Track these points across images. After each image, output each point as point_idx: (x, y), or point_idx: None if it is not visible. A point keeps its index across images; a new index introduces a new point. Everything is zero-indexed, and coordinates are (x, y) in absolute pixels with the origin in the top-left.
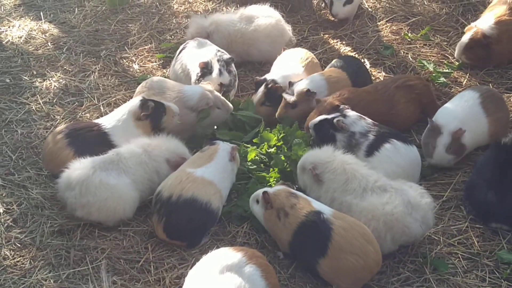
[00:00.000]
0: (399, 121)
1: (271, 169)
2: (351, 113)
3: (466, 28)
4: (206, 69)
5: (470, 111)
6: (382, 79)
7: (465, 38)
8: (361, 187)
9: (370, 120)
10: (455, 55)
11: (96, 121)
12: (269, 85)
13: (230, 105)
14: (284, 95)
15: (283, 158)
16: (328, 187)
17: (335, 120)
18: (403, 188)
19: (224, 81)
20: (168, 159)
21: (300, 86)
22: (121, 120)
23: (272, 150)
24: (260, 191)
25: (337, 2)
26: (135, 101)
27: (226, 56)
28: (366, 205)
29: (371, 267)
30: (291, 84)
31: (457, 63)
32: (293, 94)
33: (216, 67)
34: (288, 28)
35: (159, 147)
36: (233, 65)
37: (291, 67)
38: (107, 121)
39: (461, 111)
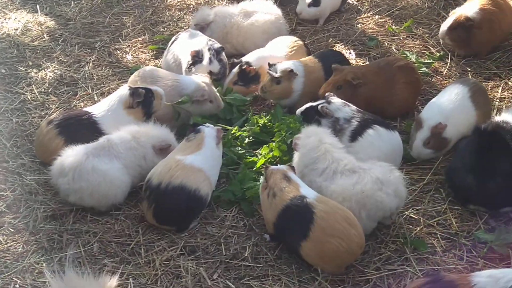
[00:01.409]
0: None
1: (260, 153)
2: (335, 99)
3: (451, 13)
4: (197, 57)
5: (459, 105)
6: None
7: (449, 19)
8: (331, 170)
9: (355, 107)
10: (439, 35)
11: (86, 109)
12: (243, 67)
13: (222, 102)
14: (269, 71)
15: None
16: (301, 160)
17: (319, 107)
18: (371, 167)
19: (213, 69)
20: (154, 145)
21: (284, 65)
22: (111, 110)
23: (256, 128)
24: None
25: (301, 1)
26: (123, 90)
27: (217, 45)
28: (336, 187)
29: (354, 250)
30: (270, 65)
31: (438, 54)
32: (274, 71)
33: (206, 55)
34: (286, 26)
35: (146, 133)
36: (223, 54)
37: (271, 50)
38: (97, 110)
39: (447, 105)
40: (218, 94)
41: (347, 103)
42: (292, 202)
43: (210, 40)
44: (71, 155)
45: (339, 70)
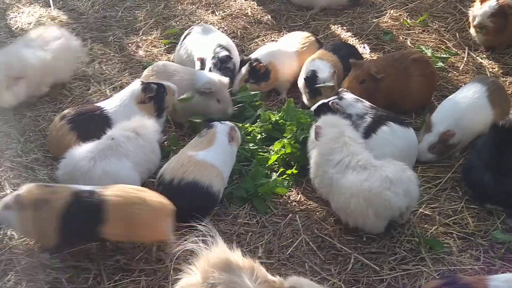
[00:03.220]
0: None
1: (273, 150)
2: (347, 95)
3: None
4: (202, 65)
5: (475, 105)
6: None
7: (492, 3)
8: (344, 164)
9: (368, 103)
10: (476, 21)
11: (99, 104)
12: (254, 64)
13: (231, 107)
14: (323, 85)
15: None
16: (318, 149)
17: (330, 103)
18: (383, 165)
19: None
20: (158, 140)
21: (325, 72)
22: (123, 105)
23: (269, 125)
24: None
25: None
26: (136, 85)
27: (223, 53)
28: (345, 182)
29: None
30: (311, 80)
31: (454, 49)
32: (321, 82)
33: (207, 67)
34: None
35: (149, 128)
36: (231, 62)
37: (282, 46)
38: (110, 106)
39: (461, 107)
40: (230, 99)
41: (359, 98)
42: None
43: (219, 46)
44: (77, 159)
45: (359, 65)
